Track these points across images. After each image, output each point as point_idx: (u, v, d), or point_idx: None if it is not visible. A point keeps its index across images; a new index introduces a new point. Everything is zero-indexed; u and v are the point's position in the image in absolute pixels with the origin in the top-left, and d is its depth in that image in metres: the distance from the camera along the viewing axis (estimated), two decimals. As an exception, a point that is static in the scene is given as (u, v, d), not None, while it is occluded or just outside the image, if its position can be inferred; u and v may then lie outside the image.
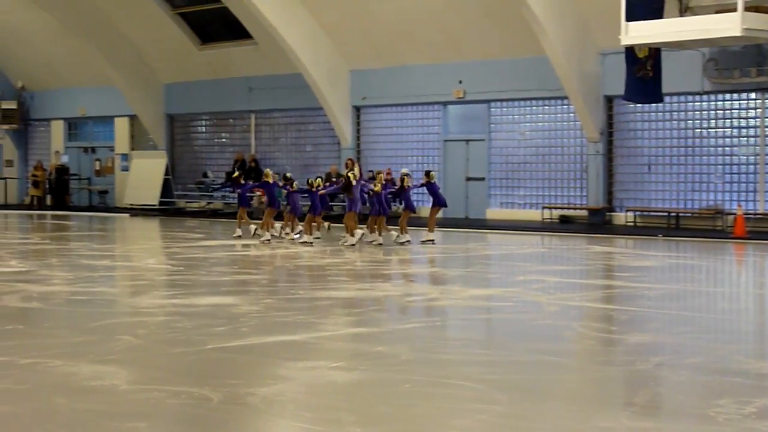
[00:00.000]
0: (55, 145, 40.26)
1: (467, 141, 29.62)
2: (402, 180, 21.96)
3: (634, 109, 26.32)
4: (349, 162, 27.06)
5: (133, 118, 37.27)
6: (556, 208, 27.69)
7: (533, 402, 7.41)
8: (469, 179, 29.55)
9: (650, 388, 8.02)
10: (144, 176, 35.28)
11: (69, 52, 37.01)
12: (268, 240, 21.79)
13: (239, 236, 23.03)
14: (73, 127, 40.10)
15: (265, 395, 7.43)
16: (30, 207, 37.74)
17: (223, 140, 35.74)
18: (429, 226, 22.06)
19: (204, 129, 36.23)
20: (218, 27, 33.35)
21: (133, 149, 37.64)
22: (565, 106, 27.28)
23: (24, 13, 36.49)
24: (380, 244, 21.01)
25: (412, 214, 22.54)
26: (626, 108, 26.43)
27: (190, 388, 7.67)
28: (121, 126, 37.88)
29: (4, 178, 40.65)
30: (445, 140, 29.94)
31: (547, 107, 27.96)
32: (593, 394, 7.91)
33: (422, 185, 22.31)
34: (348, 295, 14.01)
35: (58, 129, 40.17)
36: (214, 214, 33.00)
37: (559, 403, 7.58)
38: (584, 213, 27.11)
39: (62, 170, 37.83)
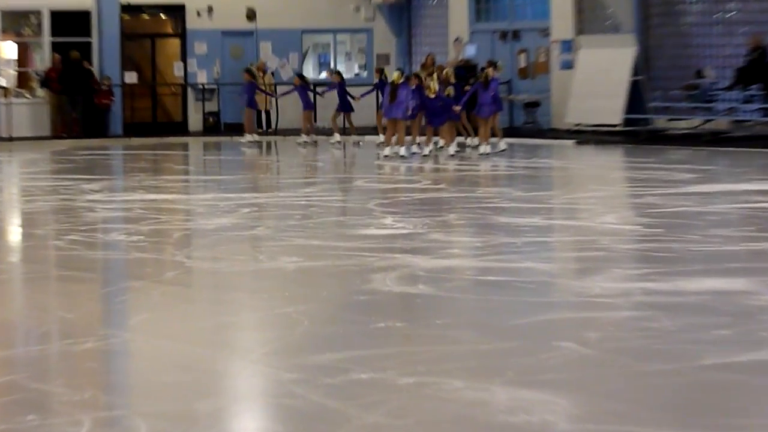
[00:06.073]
0: (454, 29, 31.32)
1: None
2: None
3: None
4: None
5: (580, -17, 29.23)
6: None
7: None
8: None
9: None
10: (599, 78, 27.46)
11: None
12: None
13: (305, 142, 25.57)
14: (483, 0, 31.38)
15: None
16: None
17: (729, 17, 27.46)
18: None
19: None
20: None
21: (580, 33, 28.82)
22: None
23: None
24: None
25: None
26: None
27: (670, 430, 5.84)
28: (561, -6, 29.56)
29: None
30: None
31: None
32: None
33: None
34: None
35: (459, 4, 31.27)
36: (716, 139, 24.89)
37: None
38: None
39: (469, 68, 27.72)
